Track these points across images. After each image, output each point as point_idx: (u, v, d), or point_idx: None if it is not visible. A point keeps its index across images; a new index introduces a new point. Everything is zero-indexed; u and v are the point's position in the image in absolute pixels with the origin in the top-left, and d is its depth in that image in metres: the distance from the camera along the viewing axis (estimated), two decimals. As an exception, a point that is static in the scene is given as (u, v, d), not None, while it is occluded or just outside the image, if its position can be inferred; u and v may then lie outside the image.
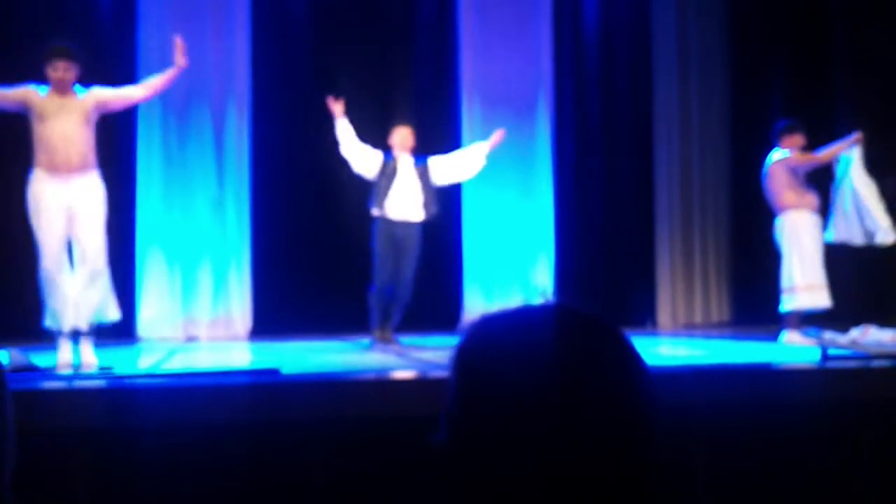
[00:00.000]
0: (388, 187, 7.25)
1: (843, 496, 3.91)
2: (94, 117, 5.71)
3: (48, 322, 5.59)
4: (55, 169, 5.54)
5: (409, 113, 9.46)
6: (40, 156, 5.58)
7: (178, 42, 5.97)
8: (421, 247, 7.38)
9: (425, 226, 7.43)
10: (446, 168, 7.49)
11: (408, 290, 7.32)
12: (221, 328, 9.22)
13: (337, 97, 7.45)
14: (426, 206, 7.34)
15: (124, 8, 9.12)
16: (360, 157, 7.37)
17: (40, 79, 5.68)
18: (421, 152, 7.51)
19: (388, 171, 7.29)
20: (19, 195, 5.69)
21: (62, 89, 5.59)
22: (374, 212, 7.33)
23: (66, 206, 5.55)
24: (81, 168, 5.59)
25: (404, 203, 7.29)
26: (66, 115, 5.56)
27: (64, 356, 5.47)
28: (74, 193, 5.56)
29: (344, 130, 7.38)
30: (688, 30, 10.50)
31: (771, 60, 10.04)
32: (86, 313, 5.54)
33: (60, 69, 5.55)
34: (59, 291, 5.52)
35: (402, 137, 7.40)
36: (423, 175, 7.37)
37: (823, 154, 7.13)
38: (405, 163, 7.37)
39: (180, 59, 5.98)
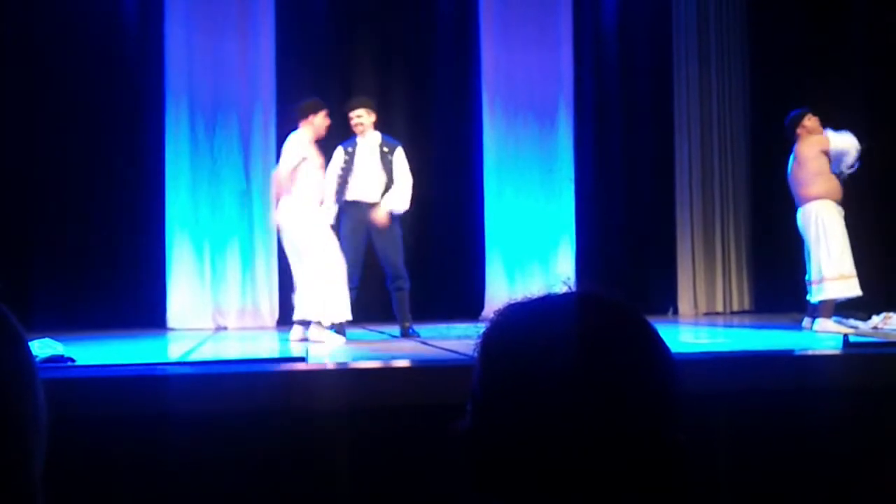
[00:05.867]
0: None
1: (865, 482, 3.93)
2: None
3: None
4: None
5: (431, 112, 9.53)
6: None
7: None
8: None
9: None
10: None
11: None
12: (249, 318, 9.34)
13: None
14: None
15: (152, 13, 9.22)
16: None
17: None
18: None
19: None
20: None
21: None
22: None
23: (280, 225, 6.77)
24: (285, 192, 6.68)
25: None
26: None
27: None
28: (280, 216, 6.73)
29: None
30: (708, 19, 10.48)
31: (790, 50, 9.97)
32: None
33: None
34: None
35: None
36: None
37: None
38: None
39: None
